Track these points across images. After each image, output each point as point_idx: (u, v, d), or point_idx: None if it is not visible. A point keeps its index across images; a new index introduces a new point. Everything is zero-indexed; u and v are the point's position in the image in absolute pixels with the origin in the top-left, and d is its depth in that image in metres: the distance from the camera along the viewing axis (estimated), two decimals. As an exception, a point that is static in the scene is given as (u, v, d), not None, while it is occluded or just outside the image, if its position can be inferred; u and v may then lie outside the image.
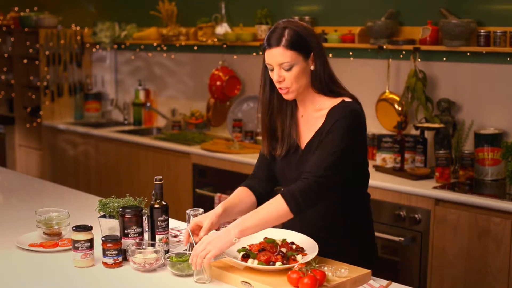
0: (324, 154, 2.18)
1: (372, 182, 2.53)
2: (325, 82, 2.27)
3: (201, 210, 2.31)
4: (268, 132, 2.37)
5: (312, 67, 2.25)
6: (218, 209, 2.27)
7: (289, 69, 2.20)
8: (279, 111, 2.34)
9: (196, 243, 2.16)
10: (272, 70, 2.23)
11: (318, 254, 2.15)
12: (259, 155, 2.48)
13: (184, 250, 2.32)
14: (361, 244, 2.38)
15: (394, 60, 4.10)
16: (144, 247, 2.27)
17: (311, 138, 2.29)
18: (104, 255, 2.25)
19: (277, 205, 2.15)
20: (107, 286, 2.13)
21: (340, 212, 2.33)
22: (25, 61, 6.37)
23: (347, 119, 2.20)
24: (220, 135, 5.14)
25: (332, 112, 2.23)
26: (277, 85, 2.24)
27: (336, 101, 2.27)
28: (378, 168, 3.88)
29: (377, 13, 4.13)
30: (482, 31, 3.62)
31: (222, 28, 4.94)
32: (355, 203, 2.36)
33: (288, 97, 2.26)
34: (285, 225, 2.39)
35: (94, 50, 6.35)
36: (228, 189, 4.40)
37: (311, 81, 2.27)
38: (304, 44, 2.21)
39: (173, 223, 2.71)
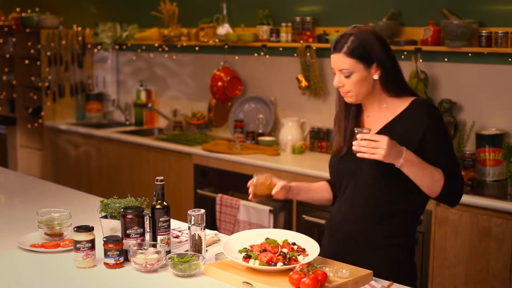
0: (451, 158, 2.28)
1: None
2: (393, 89, 2.30)
3: (203, 210, 2.31)
4: (341, 130, 2.38)
5: (375, 76, 2.26)
6: (292, 183, 2.40)
7: (348, 76, 2.25)
8: (347, 111, 2.37)
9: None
10: (335, 74, 2.29)
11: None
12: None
13: (185, 251, 2.32)
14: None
15: (396, 60, 4.10)
16: (145, 247, 2.27)
17: (378, 130, 2.29)
18: (106, 255, 2.25)
19: (439, 175, 2.21)
20: (108, 287, 2.13)
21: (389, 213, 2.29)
22: (26, 61, 6.38)
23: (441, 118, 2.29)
24: (221, 136, 5.14)
25: (420, 106, 2.26)
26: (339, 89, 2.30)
27: (408, 99, 2.30)
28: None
29: (378, 13, 4.13)
30: (483, 31, 3.62)
31: (224, 29, 4.94)
32: (407, 216, 2.32)
33: (349, 100, 2.31)
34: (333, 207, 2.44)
35: (95, 50, 6.36)
36: (229, 190, 4.40)
37: (379, 87, 2.29)
38: (366, 54, 2.24)
39: (174, 223, 2.71)
